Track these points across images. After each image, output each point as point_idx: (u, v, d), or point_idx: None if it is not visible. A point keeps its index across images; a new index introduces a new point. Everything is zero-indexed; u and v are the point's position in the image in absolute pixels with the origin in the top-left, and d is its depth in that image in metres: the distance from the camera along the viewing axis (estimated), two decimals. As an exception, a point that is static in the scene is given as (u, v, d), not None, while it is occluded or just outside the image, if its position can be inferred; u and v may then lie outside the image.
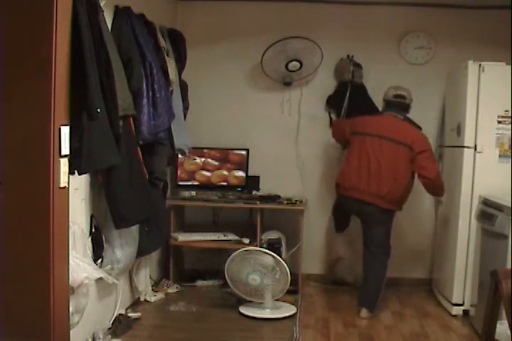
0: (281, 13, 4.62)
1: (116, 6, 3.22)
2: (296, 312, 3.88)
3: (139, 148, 3.23)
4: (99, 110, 2.64)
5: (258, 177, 4.64)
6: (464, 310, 3.89)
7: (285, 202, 4.39)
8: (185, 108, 4.06)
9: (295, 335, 3.50)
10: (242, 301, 3.95)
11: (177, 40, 3.95)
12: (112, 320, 3.45)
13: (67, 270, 2.49)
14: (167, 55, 3.66)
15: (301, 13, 4.59)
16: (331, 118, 4.62)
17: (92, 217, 3.10)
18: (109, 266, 3.13)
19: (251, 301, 3.92)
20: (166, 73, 3.56)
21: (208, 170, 4.62)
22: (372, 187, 3.84)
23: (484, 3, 4.37)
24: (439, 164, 4.26)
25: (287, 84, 4.64)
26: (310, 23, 4.57)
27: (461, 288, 3.88)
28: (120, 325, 3.42)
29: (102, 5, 2.85)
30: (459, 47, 4.48)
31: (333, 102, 4.61)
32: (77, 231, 2.80)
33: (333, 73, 4.65)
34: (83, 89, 2.56)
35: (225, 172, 4.61)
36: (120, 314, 3.55)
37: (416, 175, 3.91)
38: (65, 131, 2.35)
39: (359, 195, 3.88)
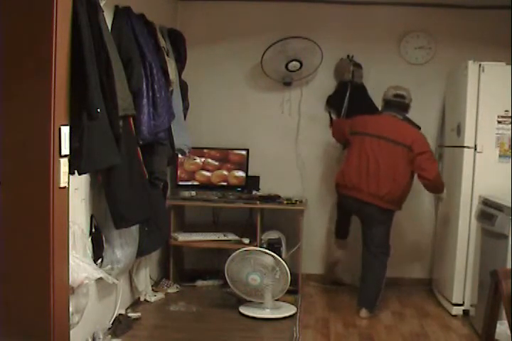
0: (281, 13, 4.62)
1: (116, 6, 3.22)
2: (296, 312, 3.88)
3: (139, 148, 3.23)
4: (99, 110, 2.64)
5: (258, 177, 4.64)
6: (464, 310, 3.89)
7: (285, 202, 4.39)
8: (185, 108, 4.05)
9: (295, 335, 3.49)
10: (242, 301, 3.95)
11: (177, 40, 3.95)
12: (112, 320, 3.45)
13: (67, 270, 2.48)
14: (167, 55, 3.65)
15: (301, 13, 4.59)
16: (331, 118, 4.62)
17: (92, 217, 3.10)
18: (109, 266, 3.13)
19: (251, 301, 3.92)
20: (166, 73, 3.56)
21: (208, 170, 4.62)
22: (371, 187, 3.84)
23: (484, 3, 4.37)
24: (439, 164, 4.26)
25: (287, 84, 4.63)
26: (310, 23, 4.57)
27: (461, 288, 3.88)
28: (120, 325, 3.42)
29: (102, 5, 2.85)
30: (459, 47, 4.48)
31: (333, 102, 4.61)
32: (77, 231, 2.80)
33: (333, 73, 4.65)
34: (83, 89, 2.56)
35: (225, 172, 4.61)
36: (120, 314, 3.55)
37: (416, 176, 3.91)
38: (65, 131, 2.35)
39: (359, 194, 3.89)
